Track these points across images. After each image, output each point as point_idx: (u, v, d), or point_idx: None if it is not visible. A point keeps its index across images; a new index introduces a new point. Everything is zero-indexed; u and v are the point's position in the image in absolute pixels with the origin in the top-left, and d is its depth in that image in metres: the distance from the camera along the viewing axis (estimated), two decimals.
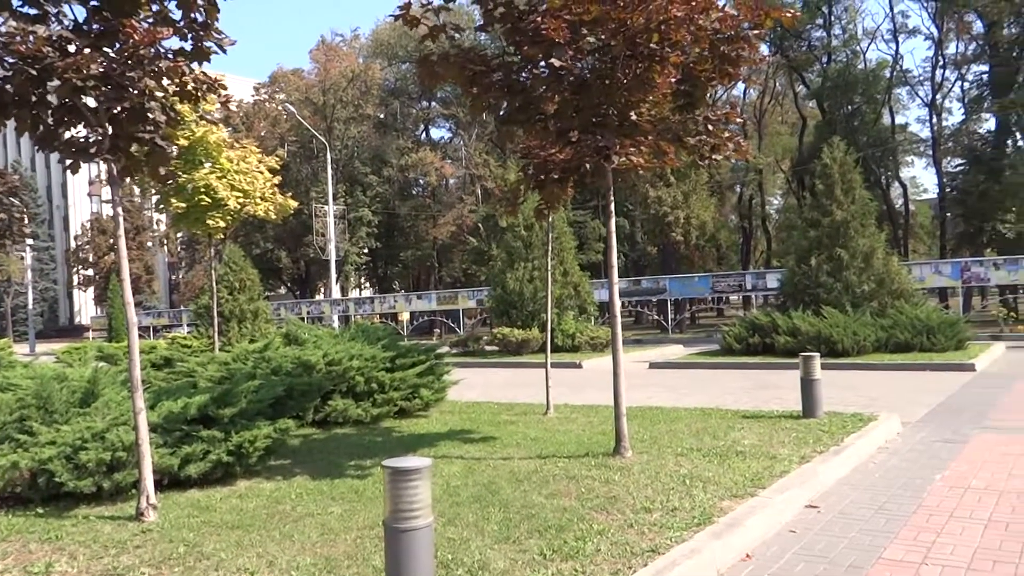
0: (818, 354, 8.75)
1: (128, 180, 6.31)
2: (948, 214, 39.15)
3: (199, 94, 5.58)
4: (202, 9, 5.33)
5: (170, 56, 5.40)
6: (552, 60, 6.08)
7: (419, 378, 9.84)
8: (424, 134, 54.52)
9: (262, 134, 45.43)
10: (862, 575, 4.15)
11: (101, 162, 5.46)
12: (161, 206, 12.87)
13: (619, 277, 28.53)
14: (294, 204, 13.59)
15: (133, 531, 5.00)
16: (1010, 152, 35.65)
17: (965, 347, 16.12)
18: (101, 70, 5.00)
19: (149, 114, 5.38)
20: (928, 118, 40.23)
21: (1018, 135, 36.28)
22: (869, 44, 42.87)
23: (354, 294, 55.53)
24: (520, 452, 7.06)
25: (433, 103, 51.07)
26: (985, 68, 37.15)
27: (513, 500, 5.33)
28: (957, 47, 39.64)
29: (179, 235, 51.43)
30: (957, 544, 4.56)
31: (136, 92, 5.21)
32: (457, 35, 6.76)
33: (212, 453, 6.11)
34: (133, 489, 5.63)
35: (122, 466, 5.72)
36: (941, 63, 39.07)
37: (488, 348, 22.14)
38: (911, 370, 14.00)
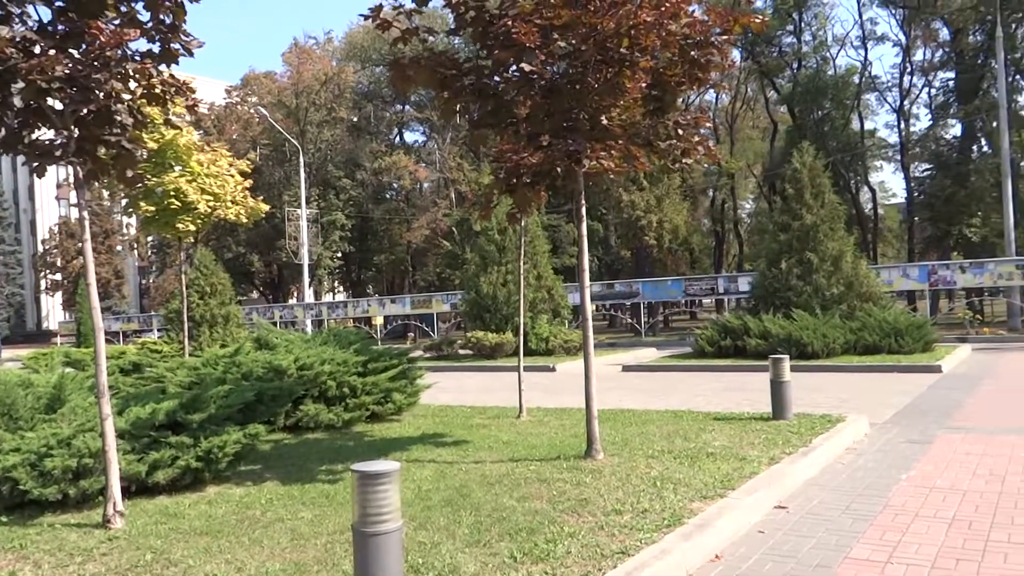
0: (788, 356, 8.84)
1: (96, 183, 6.23)
2: (916, 218, 39.72)
3: (167, 97, 5.54)
4: (170, 11, 5.29)
5: (137, 58, 5.35)
6: (523, 64, 6.11)
7: (391, 382, 9.81)
8: (398, 138, 54.40)
9: (234, 137, 45.09)
10: (829, 574, 4.20)
11: (68, 165, 5.40)
12: (130, 210, 12.75)
13: (593, 281, 28.57)
14: (265, 208, 13.51)
15: (99, 539, 4.93)
16: (975, 158, 36.28)
17: (932, 349, 16.35)
18: (66, 72, 4.94)
19: (116, 117, 5.32)
20: (896, 123, 40.85)
21: (983, 141, 36.92)
22: (839, 50, 43.55)
23: (327, 298, 55.22)
24: (492, 455, 7.06)
25: (407, 106, 50.98)
26: (951, 75, 37.79)
27: (484, 503, 5.33)
28: (924, 54, 40.33)
29: (149, 239, 50.91)
30: (922, 543, 4.63)
31: (102, 94, 5.16)
32: (431, 38, 6.77)
33: (181, 459, 6.05)
34: (100, 496, 5.56)
35: (88, 473, 5.64)
36: (909, 69, 39.70)
37: (462, 352, 22.12)
38: (879, 372, 14.18)
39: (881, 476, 6.31)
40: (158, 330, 37.14)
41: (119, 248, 61.91)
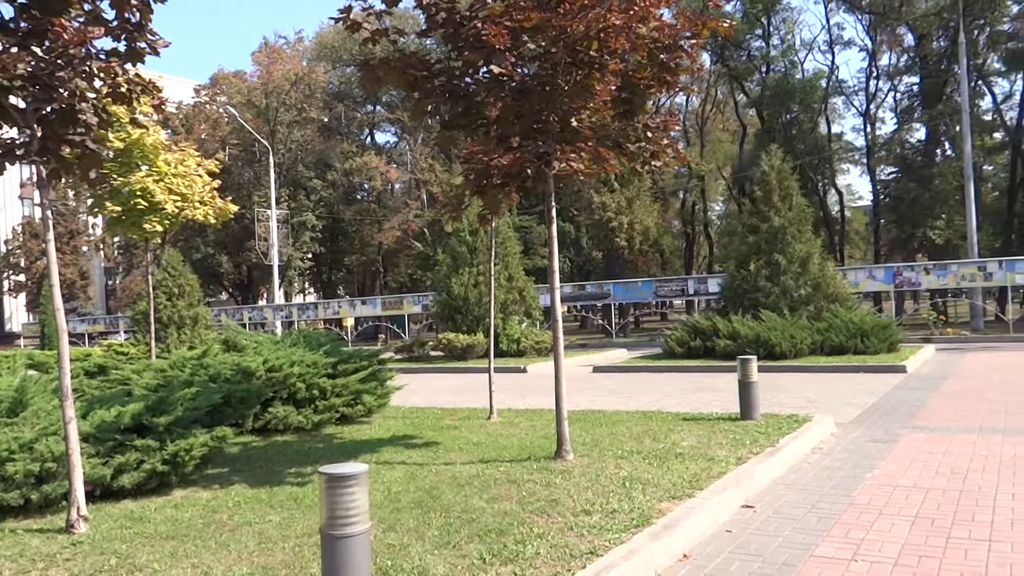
0: (755, 357, 8.93)
1: (60, 183, 6.14)
2: (881, 220, 40.35)
3: (133, 96, 5.47)
4: (136, 9, 5.23)
5: (102, 56, 5.28)
6: (493, 66, 6.11)
7: (362, 384, 9.77)
8: (369, 138, 54.12)
9: (202, 137, 44.54)
10: (794, 572, 4.25)
11: (31, 164, 5.31)
12: (95, 210, 12.55)
13: (564, 282, 28.66)
14: (234, 208, 13.37)
15: (63, 544, 4.86)
16: (939, 161, 36.92)
17: (897, 349, 16.60)
18: (29, 70, 4.87)
19: (80, 116, 5.25)
20: (863, 127, 41.47)
21: (946, 144, 37.59)
22: (806, 55, 44.00)
23: (298, 299, 54.81)
24: (462, 457, 7.06)
25: (378, 107, 50.74)
26: (916, 79, 38.43)
27: (454, 505, 5.33)
28: (890, 59, 40.97)
29: (115, 239, 50.17)
30: (885, 541, 4.70)
31: (66, 93, 5.09)
32: (402, 39, 6.75)
33: (146, 462, 5.98)
34: (63, 501, 5.48)
35: (51, 477, 5.56)
36: (875, 74, 40.31)
37: (433, 353, 22.07)
38: (845, 372, 14.38)
39: (846, 475, 6.40)
40: (124, 332, 36.64)
41: (84, 249, 60.91)
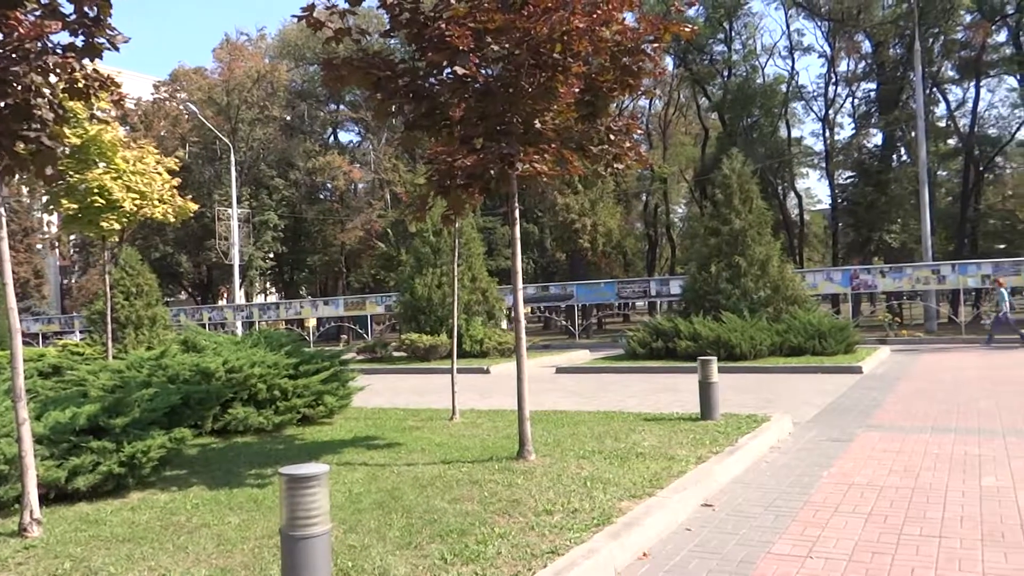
0: (715, 358, 9.05)
1: (13, 179, 6.02)
2: (839, 224, 41.02)
3: (90, 92, 5.38)
4: (94, 4, 5.14)
5: (59, 51, 5.19)
6: (456, 67, 6.12)
7: (323, 385, 9.70)
8: (332, 137, 53.72)
9: (162, 134, 43.88)
10: (751, 569, 4.32)
11: None
12: (51, 207, 12.31)
13: (528, 283, 28.72)
14: (194, 207, 13.21)
15: (15, 547, 4.76)
16: (895, 166, 37.66)
17: (854, 350, 16.92)
18: None
19: (35, 111, 5.15)
20: (821, 132, 42.14)
21: (902, 150, 38.37)
22: (767, 60, 44.63)
23: (259, 300, 54.19)
24: (424, 458, 7.05)
25: (342, 106, 50.39)
26: (873, 86, 39.15)
27: (416, 506, 5.33)
28: (848, 65, 41.66)
29: (71, 238, 49.19)
30: (840, 537, 4.79)
31: (21, 88, 4.99)
32: (367, 38, 6.73)
33: (102, 464, 5.88)
34: (16, 504, 5.37)
35: (3, 480, 5.45)
36: (833, 80, 40.99)
37: (396, 354, 21.98)
38: (804, 372, 14.62)
39: (803, 474, 6.51)
40: (80, 332, 35.92)
41: (39, 247, 59.62)
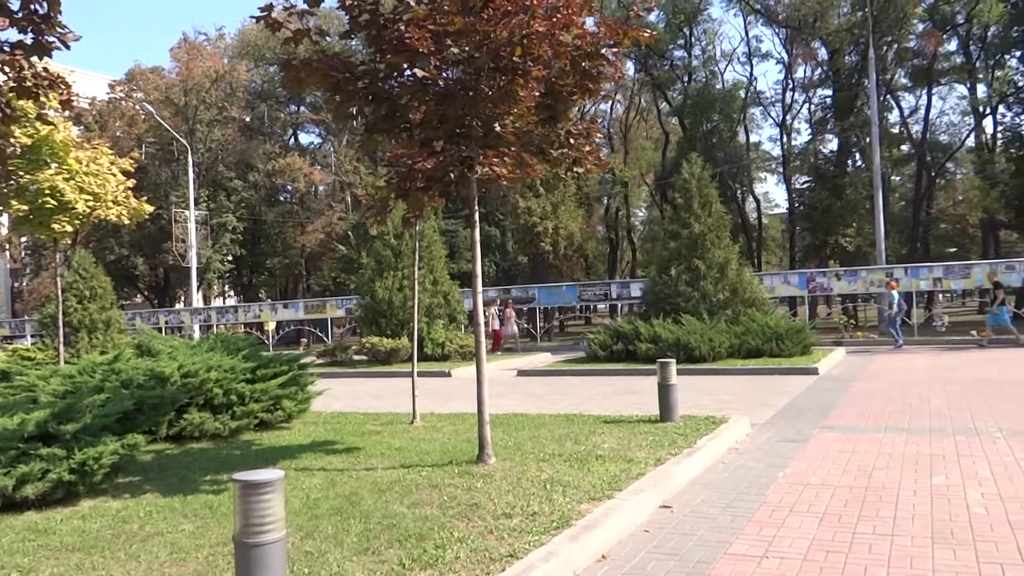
0: (674, 360, 9.12)
1: None
2: (796, 228, 41.68)
3: (38, 91, 5.26)
4: (44, 1, 5.03)
5: (6, 49, 5.07)
6: (416, 69, 6.10)
7: (281, 389, 9.59)
8: (292, 139, 53.20)
9: (117, 134, 43.04)
10: (709, 570, 4.35)
11: None
12: (0, 208, 12.01)
13: (490, 286, 28.66)
14: (149, 208, 12.96)
15: None
16: (850, 171, 38.40)
17: (810, 352, 17.18)
18: None
19: None
20: (779, 137, 42.85)
21: (857, 155, 39.13)
22: (726, 66, 45.24)
23: (217, 303, 53.43)
24: (384, 462, 7.00)
25: (302, 108, 49.92)
26: (829, 92, 39.86)
27: (374, 511, 5.28)
28: (805, 72, 42.41)
29: (23, 240, 48.02)
30: (795, 537, 4.85)
31: None
32: (328, 39, 6.67)
33: (52, 472, 5.74)
34: None
35: None
36: (790, 86, 41.67)
37: (357, 358, 21.82)
38: (761, 374, 14.81)
39: (760, 474, 6.59)
40: (32, 336, 35.07)
41: None
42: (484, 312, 7.50)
